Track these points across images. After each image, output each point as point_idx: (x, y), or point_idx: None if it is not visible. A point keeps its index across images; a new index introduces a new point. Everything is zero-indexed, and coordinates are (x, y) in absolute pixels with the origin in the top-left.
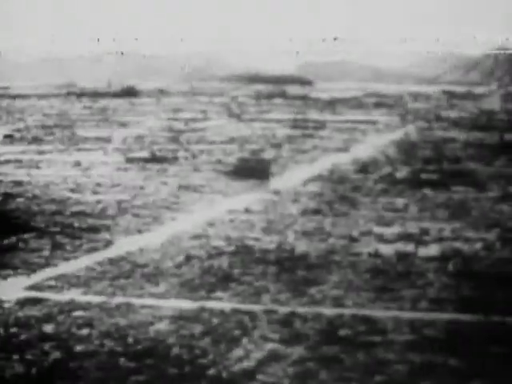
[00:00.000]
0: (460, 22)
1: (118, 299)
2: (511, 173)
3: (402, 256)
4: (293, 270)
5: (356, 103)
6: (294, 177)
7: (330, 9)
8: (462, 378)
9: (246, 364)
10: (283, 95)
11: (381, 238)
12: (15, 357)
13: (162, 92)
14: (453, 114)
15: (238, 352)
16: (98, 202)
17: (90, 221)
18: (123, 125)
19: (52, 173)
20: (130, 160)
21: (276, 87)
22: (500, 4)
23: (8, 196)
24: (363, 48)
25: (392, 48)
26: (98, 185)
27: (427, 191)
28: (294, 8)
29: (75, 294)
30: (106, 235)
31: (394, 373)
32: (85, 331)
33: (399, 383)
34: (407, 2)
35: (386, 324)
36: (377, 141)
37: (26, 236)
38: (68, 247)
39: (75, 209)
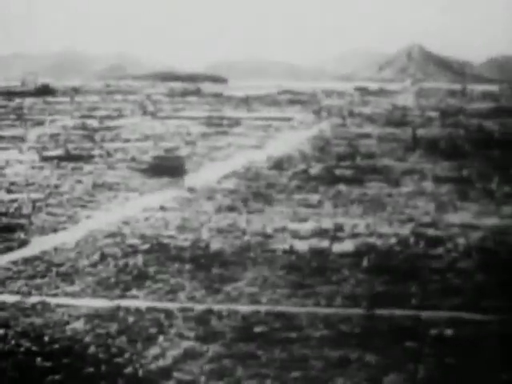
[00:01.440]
0: (374, 19)
1: (34, 298)
2: (425, 168)
3: (316, 252)
4: (208, 267)
5: (270, 100)
6: (209, 174)
7: (243, 6)
8: (378, 373)
9: (162, 362)
10: (197, 93)
11: (296, 235)
12: None
13: (76, 90)
14: (366, 111)
15: (154, 350)
16: (13, 200)
17: (5, 220)
18: (38, 123)
19: None
20: (44, 158)
21: (190, 85)
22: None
23: None
24: (277, 45)
25: (306, 45)
26: (13, 184)
27: (341, 187)
28: (206, 7)
29: None
30: (21, 234)
31: (311, 368)
32: (1, 331)
33: (315, 379)
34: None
35: (301, 320)
36: (291, 138)
37: None
38: None
39: None
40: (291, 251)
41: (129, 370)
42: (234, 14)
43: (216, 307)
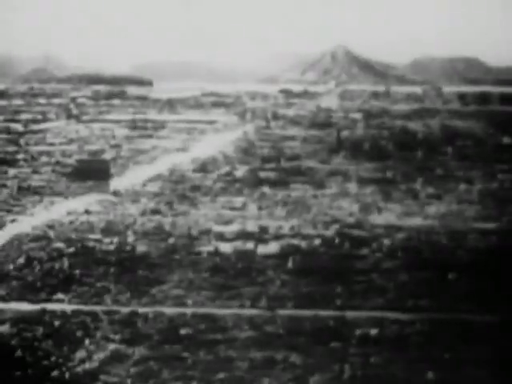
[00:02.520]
0: (298, 21)
1: None
2: (349, 170)
3: (241, 254)
4: (133, 270)
5: (194, 103)
6: (134, 177)
7: (168, 9)
8: (303, 373)
9: (88, 365)
10: (122, 96)
11: (220, 237)
12: None
13: (0, 94)
14: (290, 113)
15: (80, 353)
16: None
17: None
18: None
19: None
20: None
21: (115, 88)
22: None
23: None
24: (201, 47)
25: (231, 47)
26: None
27: (266, 189)
28: (131, 9)
29: None
30: None
31: (236, 369)
32: None
33: (241, 380)
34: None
35: (227, 322)
36: (215, 140)
37: None
38: None
39: None
40: (216, 253)
41: (55, 373)
42: (158, 16)
43: (142, 310)
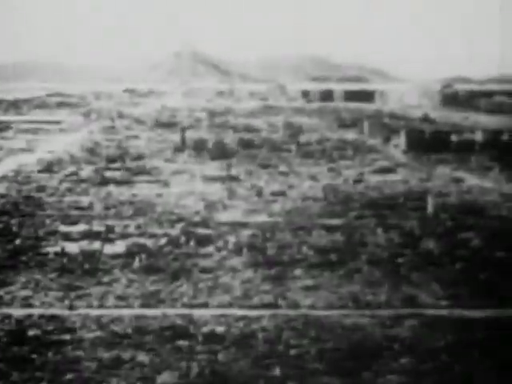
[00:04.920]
0: (146, 21)
1: None
2: (193, 168)
3: (88, 254)
4: None
5: (39, 103)
6: None
7: (20, 7)
8: (150, 372)
9: None
10: None
11: (67, 237)
12: None
13: None
14: (135, 112)
15: None
16: None
17: None
18: None
19: None
20: None
21: None
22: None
23: None
24: (49, 47)
25: (79, 48)
26: None
27: (112, 189)
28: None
29: None
30: None
31: (84, 370)
32: None
33: (89, 380)
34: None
35: (74, 322)
36: (61, 140)
37: None
38: None
39: None
40: (63, 254)
41: None
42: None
43: None
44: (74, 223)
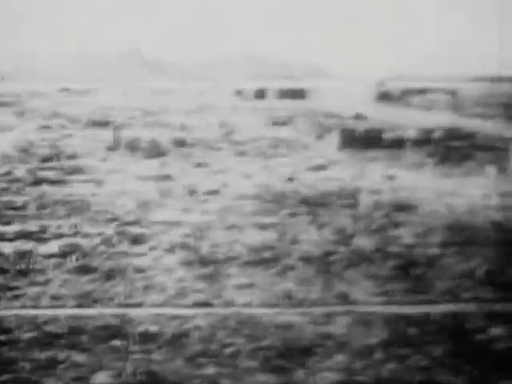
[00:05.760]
0: (85, 20)
1: None
2: (127, 167)
3: (21, 254)
4: None
5: None
6: None
7: None
8: (86, 372)
9: None
10: None
11: (1, 237)
12: None
13: None
14: (70, 111)
15: None
16: None
17: None
18: None
19: None
20: None
21: None
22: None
23: None
24: None
25: (15, 47)
26: None
27: (46, 188)
28: None
29: None
30: None
31: (20, 371)
32: None
33: (25, 381)
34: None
35: (10, 322)
36: None
37: None
38: None
39: None
40: None
41: None
42: None
43: None
44: (8, 223)
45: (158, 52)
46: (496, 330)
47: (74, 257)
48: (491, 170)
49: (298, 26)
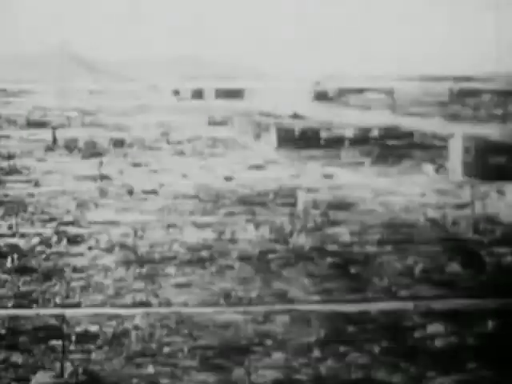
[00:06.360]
0: (22, 20)
1: None
2: (65, 168)
3: None
4: None
5: None
6: None
7: None
8: (25, 372)
9: None
10: None
11: None
12: None
13: None
14: (6, 112)
15: None
16: None
17: None
18: None
19: None
20: None
21: None
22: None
23: None
24: None
25: None
26: None
27: None
28: None
29: None
30: None
31: None
32: None
33: None
34: None
35: None
36: None
37: None
38: None
39: None
40: None
41: None
42: None
43: None
44: None
45: (92, 51)
46: (434, 328)
47: (12, 257)
48: (428, 168)
49: (234, 26)
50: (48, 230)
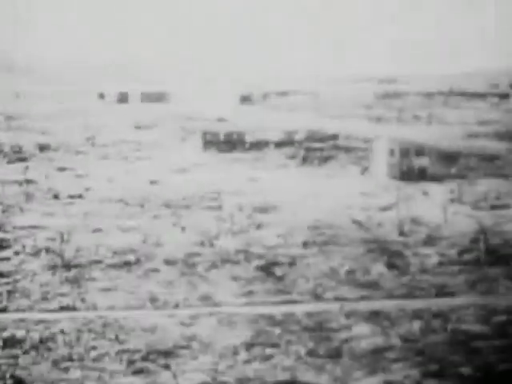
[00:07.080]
0: None
1: None
2: None
3: None
4: None
5: None
6: None
7: None
8: None
9: None
10: None
11: None
12: None
13: None
14: None
15: None
16: None
17: None
18: None
19: None
20: None
21: None
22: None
23: None
24: None
25: None
26: None
27: None
28: None
29: None
30: None
31: None
32: None
33: None
34: None
35: None
36: None
37: None
38: None
39: None
40: None
41: None
42: None
43: None
44: None
45: (19, 52)
46: (359, 329)
47: None
48: (353, 170)
49: (159, 30)
50: None
